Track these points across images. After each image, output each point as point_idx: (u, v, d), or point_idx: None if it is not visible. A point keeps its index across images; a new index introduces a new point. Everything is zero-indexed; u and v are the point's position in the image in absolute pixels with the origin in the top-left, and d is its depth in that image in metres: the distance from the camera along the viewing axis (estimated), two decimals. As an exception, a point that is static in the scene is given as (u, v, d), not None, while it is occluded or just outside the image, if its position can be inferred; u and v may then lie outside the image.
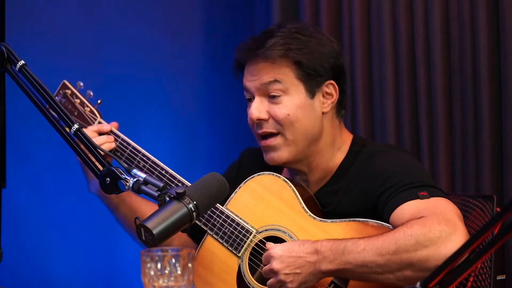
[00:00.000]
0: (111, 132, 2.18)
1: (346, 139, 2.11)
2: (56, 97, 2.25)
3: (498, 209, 2.12)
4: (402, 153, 2.08)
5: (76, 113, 2.23)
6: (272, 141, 2.04)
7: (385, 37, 2.86)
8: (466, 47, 2.69)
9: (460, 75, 2.72)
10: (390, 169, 1.96)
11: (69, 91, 2.26)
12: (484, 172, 2.64)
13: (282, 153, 2.04)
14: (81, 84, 2.25)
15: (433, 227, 1.76)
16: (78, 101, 2.25)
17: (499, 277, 2.13)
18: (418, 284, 1.16)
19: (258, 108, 2.03)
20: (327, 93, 2.06)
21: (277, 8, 3.07)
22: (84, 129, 2.09)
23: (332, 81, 2.06)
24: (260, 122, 2.04)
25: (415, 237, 1.76)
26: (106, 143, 2.13)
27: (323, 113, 2.06)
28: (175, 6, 3.24)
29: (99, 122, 2.21)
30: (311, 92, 2.03)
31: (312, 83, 2.02)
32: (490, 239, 1.14)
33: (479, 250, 1.13)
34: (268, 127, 2.03)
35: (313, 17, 3.01)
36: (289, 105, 2.02)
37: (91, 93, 2.25)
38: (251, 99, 2.07)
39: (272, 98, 2.03)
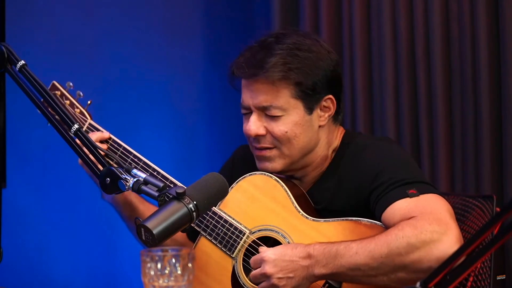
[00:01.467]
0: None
1: (339, 135, 2.11)
2: None
3: (498, 209, 2.12)
4: (391, 145, 2.07)
5: None
6: (268, 153, 2.03)
7: (385, 37, 2.86)
8: (466, 47, 2.70)
9: (460, 75, 2.72)
10: (379, 165, 1.95)
11: (58, 92, 2.21)
12: (484, 172, 2.64)
13: (276, 164, 2.04)
14: (71, 84, 2.21)
15: (424, 228, 1.76)
16: (67, 102, 2.20)
17: (499, 277, 2.13)
18: (418, 284, 1.16)
19: (255, 124, 2.02)
20: (324, 106, 2.04)
21: (277, 8, 3.07)
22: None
23: (330, 96, 2.04)
24: (258, 137, 2.03)
25: (407, 239, 1.76)
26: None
27: (319, 126, 2.05)
28: (175, 6, 3.24)
29: (90, 124, 2.19)
30: (310, 109, 2.02)
31: (310, 100, 2.01)
32: (490, 239, 1.14)
33: (479, 250, 1.13)
34: (266, 142, 2.02)
35: (313, 17, 3.02)
36: (287, 122, 2.00)
37: (81, 94, 2.21)
38: (248, 113, 2.05)
39: (270, 116, 2.01)
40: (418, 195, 1.86)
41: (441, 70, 2.74)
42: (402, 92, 2.83)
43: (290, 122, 2.00)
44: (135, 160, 2.11)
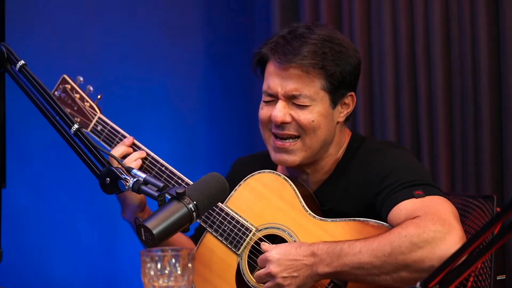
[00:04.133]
0: (109, 127, 2.18)
1: (347, 137, 2.12)
2: (56, 92, 2.24)
3: (498, 209, 2.12)
4: (400, 150, 2.08)
5: (76, 108, 2.23)
6: (291, 145, 2.03)
7: (385, 37, 2.86)
8: (466, 47, 2.70)
9: (460, 75, 2.72)
10: (387, 168, 1.97)
11: (69, 86, 2.25)
12: (484, 172, 2.65)
13: (296, 157, 2.03)
14: (81, 79, 2.24)
15: (427, 227, 1.76)
16: (78, 96, 2.24)
17: (499, 277, 2.13)
18: (418, 284, 1.16)
19: (282, 111, 2.00)
20: (345, 103, 2.06)
21: (277, 8, 3.07)
22: (112, 151, 2.07)
23: (352, 93, 2.06)
24: (282, 124, 2.02)
25: (410, 238, 1.76)
26: (138, 159, 2.11)
27: (337, 122, 2.06)
28: (175, 6, 3.24)
29: (99, 118, 2.21)
30: (334, 102, 2.03)
31: (336, 94, 2.02)
32: (490, 239, 1.14)
33: (479, 250, 1.13)
34: (291, 130, 2.02)
35: (313, 17, 3.01)
36: (314, 112, 2.00)
37: (91, 88, 2.24)
38: (271, 101, 2.03)
39: (297, 104, 2.01)
40: (424, 196, 1.86)
41: (441, 70, 2.74)
42: (402, 92, 2.83)
43: (316, 112, 2.00)
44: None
